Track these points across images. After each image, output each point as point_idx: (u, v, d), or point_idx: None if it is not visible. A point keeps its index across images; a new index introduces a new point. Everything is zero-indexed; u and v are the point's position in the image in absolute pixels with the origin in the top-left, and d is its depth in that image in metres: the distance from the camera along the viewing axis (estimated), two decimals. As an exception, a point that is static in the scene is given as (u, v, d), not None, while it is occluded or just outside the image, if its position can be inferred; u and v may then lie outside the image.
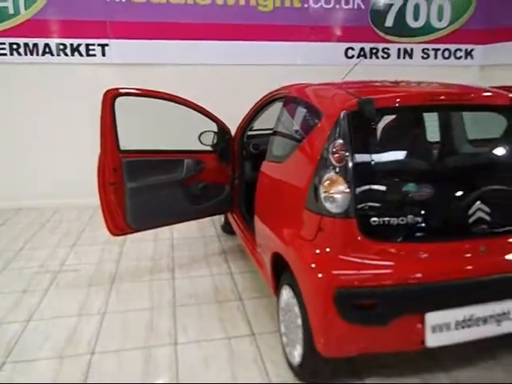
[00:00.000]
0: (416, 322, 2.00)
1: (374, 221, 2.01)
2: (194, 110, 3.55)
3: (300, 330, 2.19)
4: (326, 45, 5.87)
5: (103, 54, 5.29)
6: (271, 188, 2.77)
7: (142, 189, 3.35)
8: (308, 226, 2.16)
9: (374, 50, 6.05)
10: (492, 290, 2.09)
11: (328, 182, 2.05)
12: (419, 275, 2.00)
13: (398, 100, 2.21)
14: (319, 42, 5.85)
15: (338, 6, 5.80)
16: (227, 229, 4.38)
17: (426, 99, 2.25)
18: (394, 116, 2.41)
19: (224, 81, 5.53)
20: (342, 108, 2.17)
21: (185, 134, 3.60)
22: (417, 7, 6.04)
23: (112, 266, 3.79)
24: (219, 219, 4.65)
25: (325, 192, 2.05)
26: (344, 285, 1.96)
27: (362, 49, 6.00)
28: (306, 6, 5.71)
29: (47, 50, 5.14)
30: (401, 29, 6.06)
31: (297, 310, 2.22)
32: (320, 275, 2.01)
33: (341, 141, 2.08)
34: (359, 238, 2.01)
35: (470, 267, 2.06)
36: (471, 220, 2.08)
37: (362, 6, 5.89)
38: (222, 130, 3.76)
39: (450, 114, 2.75)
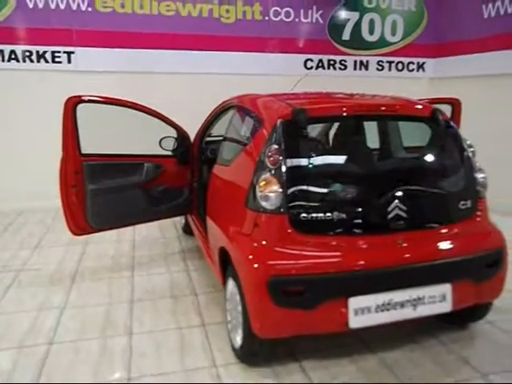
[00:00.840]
0: (340, 306, 2.26)
1: (304, 217, 2.28)
2: (155, 117, 3.75)
3: (240, 316, 2.43)
4: (286, 56, 6.19)
5: (69, 61, 5.44)
6: (220, 189, 3.01)
7: (102, 191, 3.54)
8: (247, 222, 2.41)
9: (332, 62, 6.40)
10: (408, 278, 2.38)
11: (263, 182, 2.31)
12: (342, 265, 2.28)
13: (327, 110, 2.50)
14: (280, 53, 6.16)
15: (297, 20, 6.14)
16: (187, 230, 4.59)
17: (354, 110, 2.55)
18: (325, 124, 2.69)
19: (188, 89, 5.75)
20: (278, 117, 2.44)
21: (148, 140, 3.81)
22: (372, 22, 6.44)
23: (74, 265, 3.95)
24: (180, 221, 4.85)
25: (261, 191, 2.31)
26: (276, 273, 2.21)
27: (321, 60, 6.35)
28: (266, 18, 6.01)
29: (13, 56, 5.27)
30: (357, 42, 6.45)
31: (238, 298, 2.46)
32: (256, 265, 2.26)
33: (276, 146, 2.35)
34: (290, 231, 2.27)
35: (388, 258, 2.35)
36: (390, 216, 2.37)
37: (321, 21, 6.25)
38: (182, 135, 3.98)
39: (382, 123, 3.04)
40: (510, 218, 4.06)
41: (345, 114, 2.53)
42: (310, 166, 2.40)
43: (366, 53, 6.50)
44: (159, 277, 3.73)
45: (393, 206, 2.36)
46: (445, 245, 2.46)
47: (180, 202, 4.00)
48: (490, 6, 5.69)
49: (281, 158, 2.31)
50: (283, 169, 2.30)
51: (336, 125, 3.35)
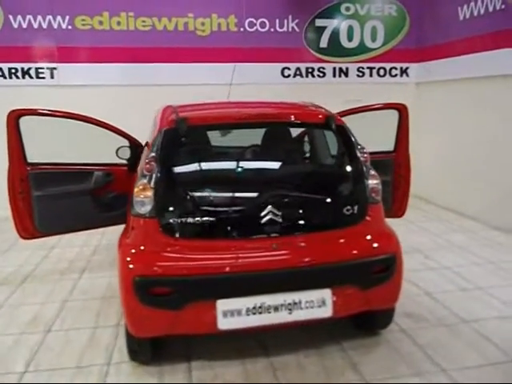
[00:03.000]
0: (209, 307, 2.34)
1: (175, 221, 2.38)
2: (104, 127, 3.94)
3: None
4: (263, 65, 6.28)
5: (52, 77, 5.80)
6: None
7: (49, 197, 3.76)
8: (128, 226, 2.54)
9: (310, 70, 6.44)
10: (282, 282, 2.42)
11: (138, 188, 2.43)
12: (209, 267, 2.36)
13: (210, 119, 2.60)
14: (256, 62, 6.27)
15: (272, 30, 6.23)
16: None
17: (235, 118, 2.63)
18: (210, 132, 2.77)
19: (165, 100, 5.93)
20: (163, 125, 2.57)
21: (103, 149, 4.02)
22: (350, 29, 6.44)
23: (31, 268, 4.21)
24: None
25: (136, 197, 2.43)
26: (141, 274, 2.32)
27: (298, 68, 6.40)
28: (241, 29, 6.15)
29: (0, 73, 5.68)
30: (335, 49, 6.45)
31: (124, 299, 2.59)
32: (126, 266, 2.38)
33: (153, 154, 2.47)
34: (161, 235, 2.38)
35: (259, 261, 2.41)
36: (263, 221, 2.42)
37: (297, 29, 6.31)
38: (134, 145, 4.15)
39: (275, 131, 3.04)
40: None
41: (228, 123, 2.62)
42: (186, 173, 2.51)
43: (345, 60, 6.49)
44: (102, 279, 3.91)
45: (266, 211, 2.41)
46: (323, 250, 2.49)
47: (132, 209, 4.17)
48: (465, 7, 5.57)
49: (155, 165, 2.43)
50: (158, 176, 2.41)
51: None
